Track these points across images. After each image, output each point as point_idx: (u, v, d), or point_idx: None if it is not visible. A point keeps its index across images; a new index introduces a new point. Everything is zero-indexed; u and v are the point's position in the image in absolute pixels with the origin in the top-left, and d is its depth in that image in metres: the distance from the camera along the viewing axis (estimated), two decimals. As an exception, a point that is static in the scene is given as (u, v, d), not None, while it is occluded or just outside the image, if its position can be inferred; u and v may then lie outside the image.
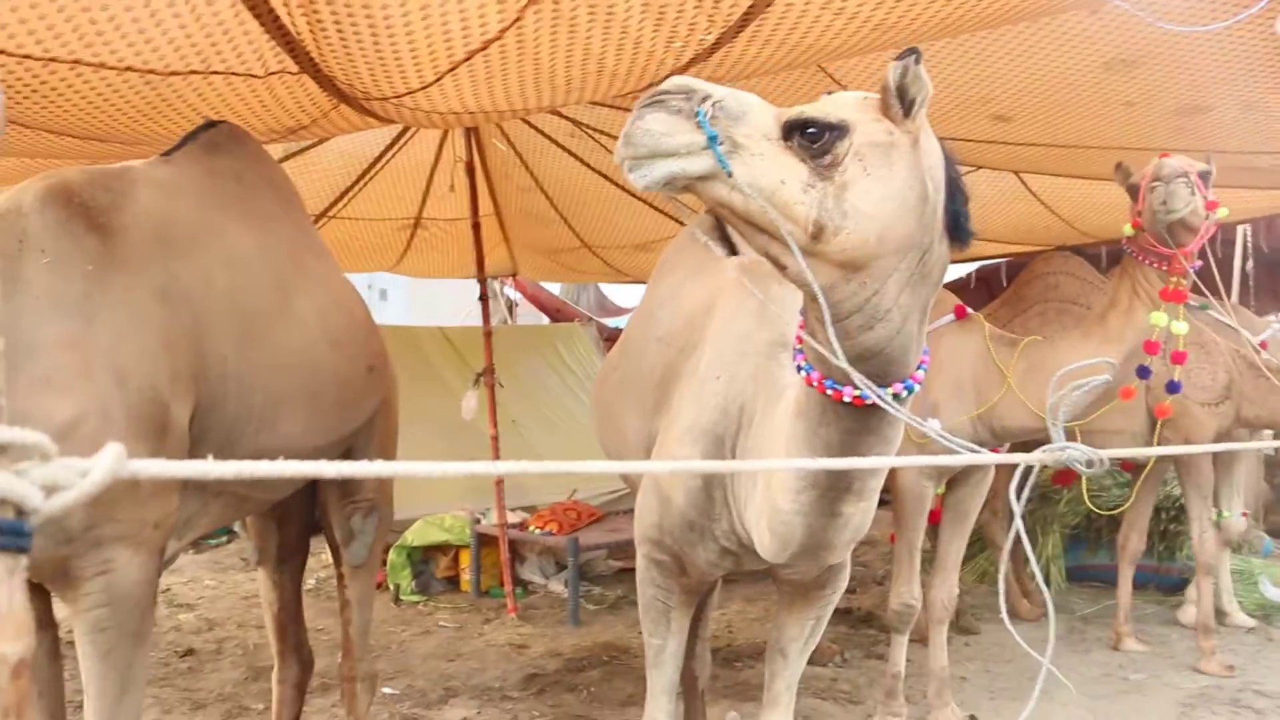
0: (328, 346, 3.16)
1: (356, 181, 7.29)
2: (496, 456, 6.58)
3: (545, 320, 12.77)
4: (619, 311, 14.32)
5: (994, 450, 4.13)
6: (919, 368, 2.04)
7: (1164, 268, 3.79)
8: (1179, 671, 5.00)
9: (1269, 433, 8.17)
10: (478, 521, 7.16)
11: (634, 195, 7.78)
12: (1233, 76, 4.33)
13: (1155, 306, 3.80)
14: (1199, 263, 4.10)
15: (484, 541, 6.97)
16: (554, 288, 12.99)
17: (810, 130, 1.83)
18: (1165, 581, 6.78)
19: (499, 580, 6.87)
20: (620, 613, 6.51)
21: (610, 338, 11.21)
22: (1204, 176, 3.75)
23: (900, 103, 1.88)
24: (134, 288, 2.54)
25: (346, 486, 3.52)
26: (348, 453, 3.47)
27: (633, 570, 7.68)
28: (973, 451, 4.36)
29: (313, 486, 3.60)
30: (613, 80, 3.45)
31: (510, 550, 6.71)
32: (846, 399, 1.98)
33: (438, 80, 3.18)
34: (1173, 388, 3.98)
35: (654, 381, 3.13)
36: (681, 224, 8.30)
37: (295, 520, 3.72)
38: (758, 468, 2.46)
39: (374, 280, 21.65)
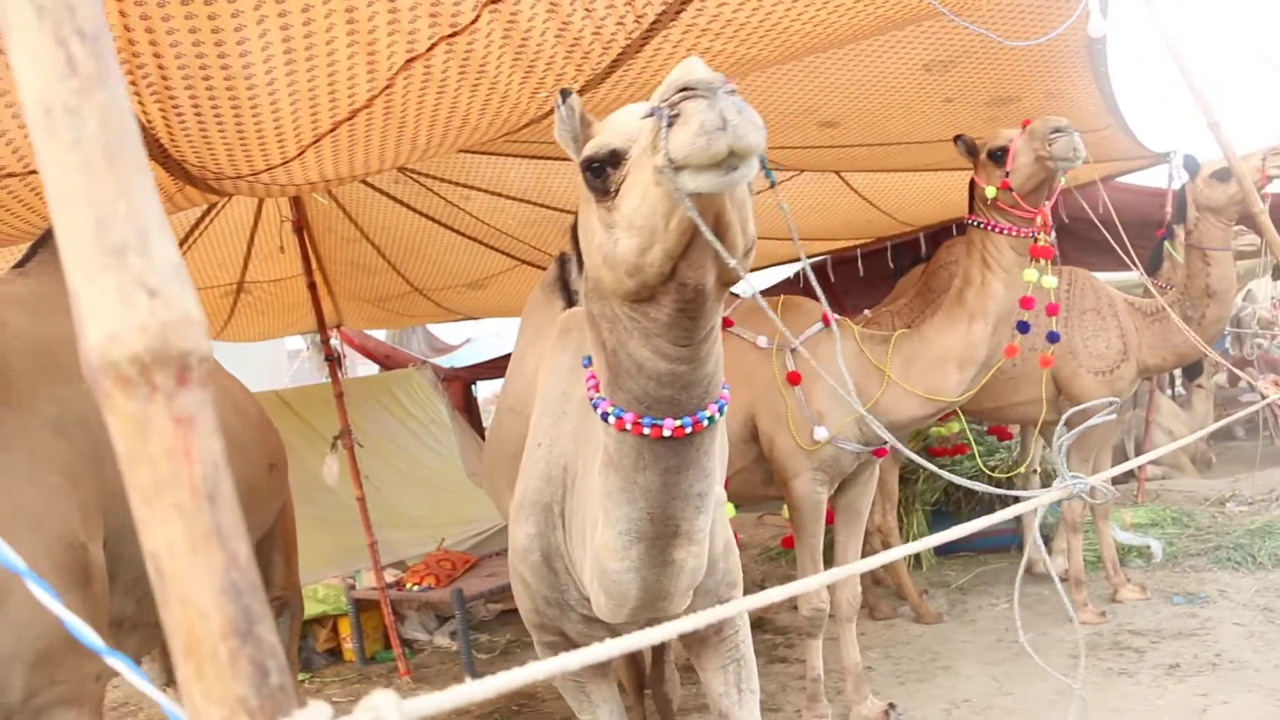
0: (232, 451, 2.94)
1: (173, 253, 6.92)
2: (365, 519, 6.36)
3: (375, 368, 12.43)
4: (449, 349, 14.13)
5: (880, 449, 4.27)
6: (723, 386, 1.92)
7: (1015, 233, 3.94)
8: (1060, 625, 5.29)
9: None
10: (352, 587, 6.91)
11: (464, 235, 7.68)
12: (1038, 69, 4.67)
13: (1009, 275, 3.94)
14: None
15: (362, 607, 6.74)
16: (378, 333, 12.66)
17: None
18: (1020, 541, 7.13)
19: (384, 644, 6.65)
20: (514, 658, 6.40)
21: (447, 378, 11.00)
22: None
23: None
24: (27, 426, 2.31)
25: None
26: None
27: (515, 611, 7.55)
28: (862, 451, 4.42)
29: None
30: (473, 133, 3.40)
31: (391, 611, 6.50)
32: (667, 433, 1.82)
33: (299, 155, 3.06)
34: (1052, 337, 4.16)
35: (510, 455, 2.94)
36: (519, 260, 8.27)
37: None
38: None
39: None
